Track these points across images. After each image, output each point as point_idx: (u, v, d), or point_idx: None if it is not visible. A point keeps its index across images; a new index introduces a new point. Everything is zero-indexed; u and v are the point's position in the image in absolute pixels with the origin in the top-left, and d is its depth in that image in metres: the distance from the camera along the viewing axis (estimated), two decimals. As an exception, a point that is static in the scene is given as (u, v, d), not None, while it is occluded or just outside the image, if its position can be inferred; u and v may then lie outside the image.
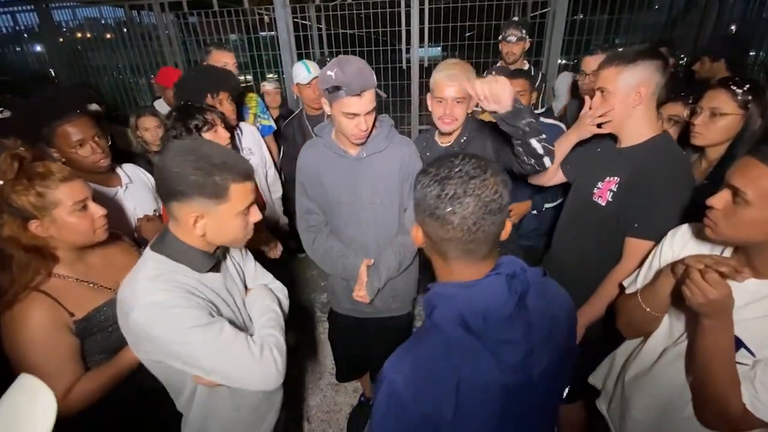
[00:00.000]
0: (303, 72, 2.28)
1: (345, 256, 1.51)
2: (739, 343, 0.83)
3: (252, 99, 2.64)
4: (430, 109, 1.51)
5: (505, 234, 0.72)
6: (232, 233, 0.95)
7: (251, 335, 1.00)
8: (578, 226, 1.44)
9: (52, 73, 4.18)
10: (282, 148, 2.53)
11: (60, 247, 1.04)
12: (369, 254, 1.51)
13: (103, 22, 4.13)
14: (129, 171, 1.61)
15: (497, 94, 1.16)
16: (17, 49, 4.42)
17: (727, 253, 0.92)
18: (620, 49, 1.34)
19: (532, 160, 1.29)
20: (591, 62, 2.02)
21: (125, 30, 3.79)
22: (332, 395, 2.21)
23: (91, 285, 1.09)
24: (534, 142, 1.24)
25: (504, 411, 0.69)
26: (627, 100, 1.22)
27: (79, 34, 4.13)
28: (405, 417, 0.65)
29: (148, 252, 0.95)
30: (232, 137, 1.72)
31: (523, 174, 1.41)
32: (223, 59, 2.31)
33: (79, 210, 1.02)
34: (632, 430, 1.09)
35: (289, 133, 2.50)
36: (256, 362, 0.92)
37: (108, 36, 4.01)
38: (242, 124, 2.12)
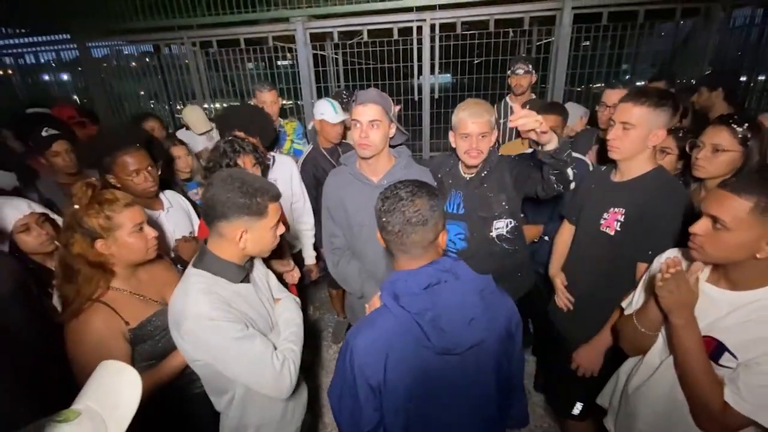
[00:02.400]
0: (330, 111, 2.35)
1: (366, 281, 1.62)
2: (723, 348, 0.93)
3: (290, 125, 2.87)
4: (453, 145, 1.62)
5: (442, 242, 0.95)
6: (266, 243, 1.15)
7: (275, 347, 1.14)
8: (589, 257, 1.52)
9: (79, 101, 4.54)
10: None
11: (117, 264, 1.19)
12: (388, 274, 1.61)
13: (136, 56, 4.50)
14: (170, 196, 1.79)
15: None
16: (52, 79, 4.82)
17: (707, 270, 1.03)
18: (643, 88, 1.42)
19: (561, 186, 1.40)
20: (612, 96, 2.05)
21: (157, 64, 4.12)
22: (347, 413, 2.25)
23: (141, 297, 1.23)
24: (569, 171, 1.36)
25: (429, 382, 0.86)
26: (646, 137, 1.32)
27: (111, 64, 4.48)
28: (356, 371, 0.85)
29: (190, 269, 1.12)
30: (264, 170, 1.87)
31: (545, 197, 1.51)
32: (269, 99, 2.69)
33: (137, 231, 1.18)
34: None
35: (308, 170, 2.41)
36: (275, 376, 1.08)
37: (139, 67, 4.34)
38: (277, 156, 2.23)
